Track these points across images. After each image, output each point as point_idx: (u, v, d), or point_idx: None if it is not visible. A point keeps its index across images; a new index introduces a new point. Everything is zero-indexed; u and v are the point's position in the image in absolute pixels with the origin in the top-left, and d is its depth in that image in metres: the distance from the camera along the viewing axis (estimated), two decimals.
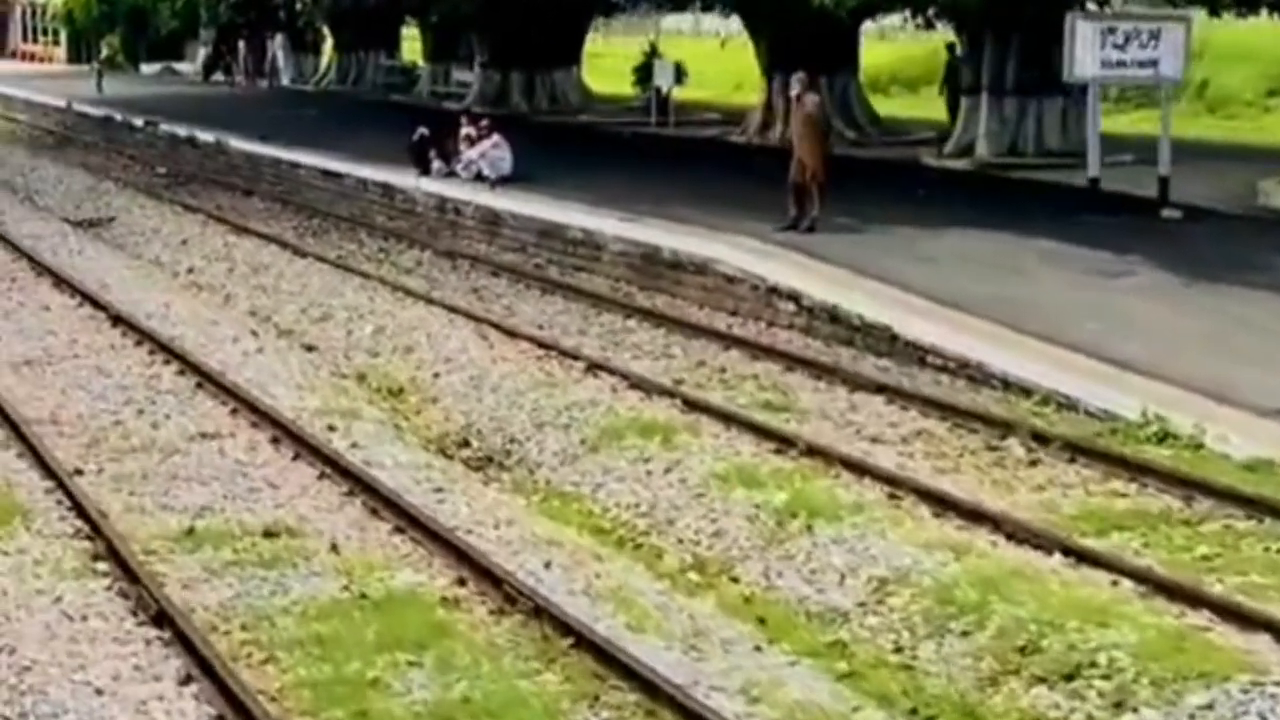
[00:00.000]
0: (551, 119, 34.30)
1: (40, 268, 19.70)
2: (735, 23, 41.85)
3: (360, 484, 10.58)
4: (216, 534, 9.70)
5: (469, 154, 22.85)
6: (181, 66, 58.92)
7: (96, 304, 17.13)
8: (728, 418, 11.86)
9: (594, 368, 13.66)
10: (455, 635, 8.10)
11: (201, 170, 30.46)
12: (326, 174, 26.54)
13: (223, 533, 9.74)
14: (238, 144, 31.01)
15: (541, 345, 14.66)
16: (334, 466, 10.98)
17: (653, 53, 33.60)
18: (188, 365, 14.10)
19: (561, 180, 22.37)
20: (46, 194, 28.16)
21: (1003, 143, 23.08)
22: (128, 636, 8.07)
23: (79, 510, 10.01)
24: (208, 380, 13.60)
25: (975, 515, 9.65)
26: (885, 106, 31.17)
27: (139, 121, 37.09)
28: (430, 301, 17.04)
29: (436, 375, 14.18)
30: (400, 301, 17.22)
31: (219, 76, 53.25)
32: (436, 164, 23.39)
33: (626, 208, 19.90)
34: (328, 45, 51.85)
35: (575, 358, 14.07)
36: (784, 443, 11.23)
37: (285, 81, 49.80)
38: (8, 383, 13.69)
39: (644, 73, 33.69)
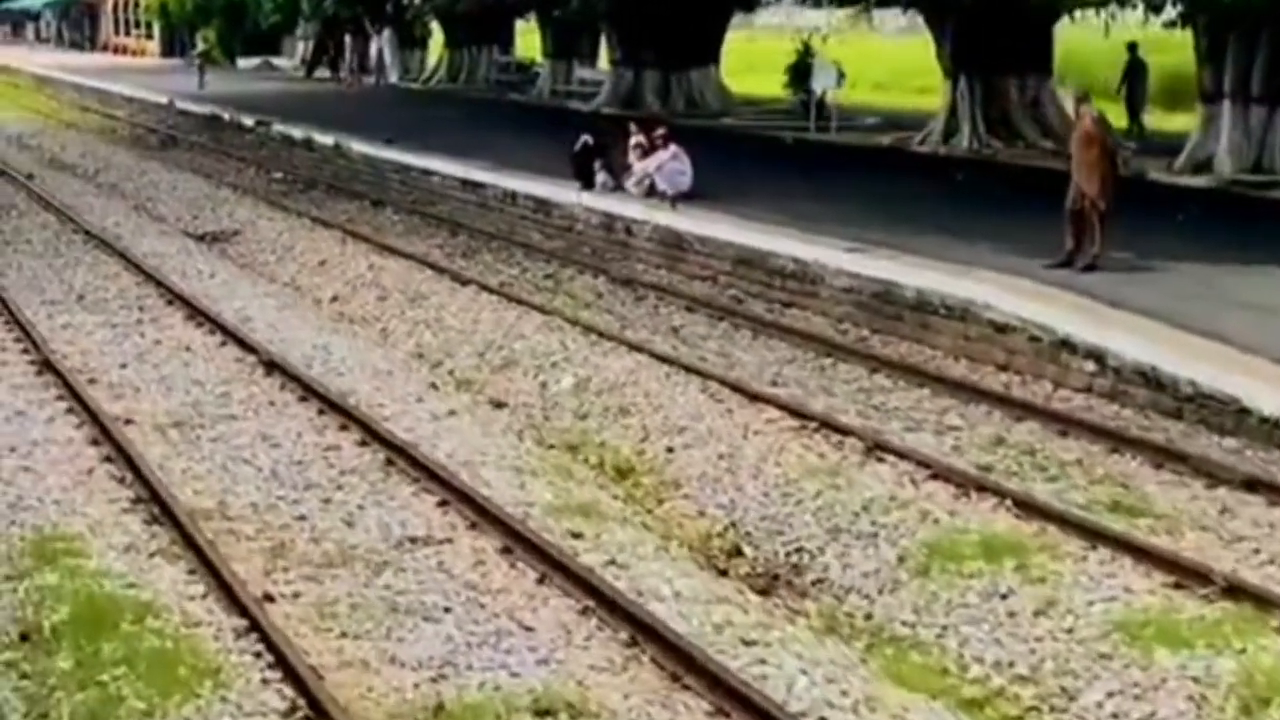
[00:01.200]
0: (691, 122, 31.48)
1: (170, 294, 17.36)
2: (840, 17, 38.89)
3: (642, 628, 8.04)
4: (473, 712, 7.19)
5: (642, 166, 20.24)
6: (280, 61, 56.92)
7: (243, 343, 14.75)
8: (1091, 533, 9.21)
9: (876, 448, 11.04)
10: None
11: (322, 176, 28.13)
12: (465, 184, 24.09)
13: (480, 707, 7.24)
14: (359, 147, 28.69)
15: (793, 412, 12.05)
16: (598, 598, 8.44)
17: (807, 52, 30.90)
18: (370, 434, 11.64)
19: (739, 196, 19.74)
20: (160, 201, 25.93)
21: (1247, 157, 20.19)
22: None
23: (284, 667, 7.54)
24: (399, 455, 11.13)
25: None
26: None
27: (248, 121, 34.90)
28: (631, 347, 14.47)
29: (670, 450, 11.63)
30: (595, 345, 14.67)
31: (323, 73, 51.04)
32: (601, 177, 20.79)
33: (831, 230, 17.26)
34: (433, 41, 49.54)
35: (843, 432, 11.46)
36: (1183, 572, 8.59)
37: (393, 79, 47.49)
38: (158, 454, 11.28)
39: (796, 73, 31.04)
